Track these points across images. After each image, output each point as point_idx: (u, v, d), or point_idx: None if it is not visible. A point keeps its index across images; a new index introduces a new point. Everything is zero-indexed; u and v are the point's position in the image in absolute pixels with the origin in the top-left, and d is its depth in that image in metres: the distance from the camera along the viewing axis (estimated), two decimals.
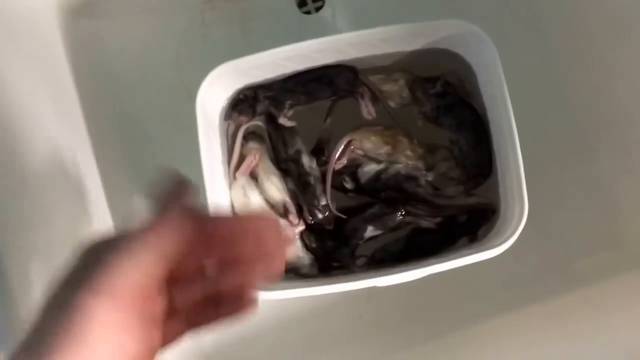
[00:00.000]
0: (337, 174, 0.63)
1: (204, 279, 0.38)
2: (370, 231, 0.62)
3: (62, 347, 0.30)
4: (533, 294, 0.69)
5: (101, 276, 0.31)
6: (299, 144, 0.63)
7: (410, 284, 0.54)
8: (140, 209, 0.71)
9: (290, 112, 0.63)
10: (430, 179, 0.62)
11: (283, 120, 0.63)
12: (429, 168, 0.62)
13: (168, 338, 0.36)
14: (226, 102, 0.63)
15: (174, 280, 0.36)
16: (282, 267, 0.38)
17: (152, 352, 0.34)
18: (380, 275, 0.54)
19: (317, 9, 0.73)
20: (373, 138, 0.62)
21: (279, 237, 0.38)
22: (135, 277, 0.32)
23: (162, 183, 0.37)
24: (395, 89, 0.63)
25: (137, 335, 0.32)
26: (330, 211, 0.62)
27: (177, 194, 0.37)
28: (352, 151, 0.63)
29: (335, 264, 0.63)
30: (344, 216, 0.62)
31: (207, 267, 0.38)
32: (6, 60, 0.63)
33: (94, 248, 0.34)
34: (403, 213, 0.61)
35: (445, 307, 0.70)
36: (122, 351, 0.31)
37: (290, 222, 0.61)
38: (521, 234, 0.53)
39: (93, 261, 0.32)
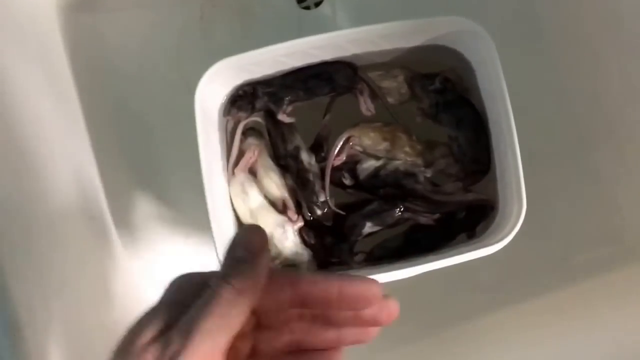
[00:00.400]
0: (336, 170, 0.63)
1: (292, 331, 0.35)
2: (368, 227, 0.62)
3: None
4: (531, 289, 0.69)
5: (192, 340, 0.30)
6: (298, 140, 0.63)
7: (408, 279, 0.54)
8: (139, 204, 0.72)
9: (289, 109, 0.63)
10: (428, 175, 0.62)
11: (282, 117, 0.63)
12: (428, 164, 0.62)
13: None
14: (225, 98, 0.63)
15: (261, 327, 0.35)
16: (376, 335, 0.36)
17: None
18: (378, 272, 0.54)
19: (317, 5, 0.73)
20: (372, 134, 0.62)
21: (378, 303, 0.35)
22: (223, 340, 0.30)
23: (243, 240, 0.34)
24: (394, 86, 0.63)
25: None
26: (329, 207, 0.62)
27: (260, 252, 0.33)
28: (351, 147, 0.63)
29: (334, 260, 0.63)
30: (342, 212, 0.62)
31: (295, 319, 0.35)
32: (4, 55, 0.63)
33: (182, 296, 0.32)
34: (402, 209, 0.61)
35: (443, 302, 0.71)
36: None
37: (289, 218, 0.61)
38: (519, 229, 0.53)
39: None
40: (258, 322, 0.34)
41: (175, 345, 0.29)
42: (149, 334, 0.30)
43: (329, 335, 0.35)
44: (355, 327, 0.35)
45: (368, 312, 0.35)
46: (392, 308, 0.36)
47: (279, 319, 0.35)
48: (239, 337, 0.32)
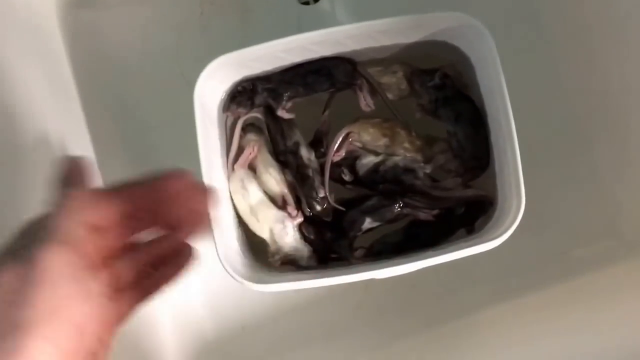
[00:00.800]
0: (336, 166, 0.63)
1: (142, 248, 0.40)
2: (368, 223, 0.62)
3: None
4: (530, 283, 0.69)
5: (53, 231, 0.35)
6: (297, 136, 0.63)
7: (409, 274, 0.55)
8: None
9: (288, 104, 0.63)
10: (428, 171, 0.62)
11: (281, 113, 0.63)
12: (427, 160, 0.62)
13: (123, 311, 0.39)
14: (224, 94, 0.63)
15: (114, 257, 0.38)
16: (208, 220, 0.43)
17: (109, 324, 0.37)
18: (378, 268, 0.54)
19: (316, 0, 0.73)
20: (371, 130, 0.63)
21: (198, 192, 0.42)
22: (79, 231, 0.35)
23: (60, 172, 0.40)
24: (393, 81, 0.63)
25: (94, 299, 0.35)
26: (329, 203, 0.62)
27: (75, 179, 0.40)
28: (351, 143, 0.63)
29: (333, 256, 0.63)
30: (342, 208, 0.63)
31: (141, 236, 0.40)
32: (3, 50, 0.63)
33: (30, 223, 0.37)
34: (401, 205, 0.61)
35: (443, 297, 0.71)
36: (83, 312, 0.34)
37: (289, 214, 0.61)
38: (518, 224, 0.54)
39: (36, 228, 0.36)
40: (111, 254, 0.38)
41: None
42: None
43: (173, 235, 0.42)
44: (190, 220, 0.42)
45: (192, 203, 0.42)
46: (206, 191, 0.44)
47: (128, 243, 0.40)
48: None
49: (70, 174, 0.40)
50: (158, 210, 0.40)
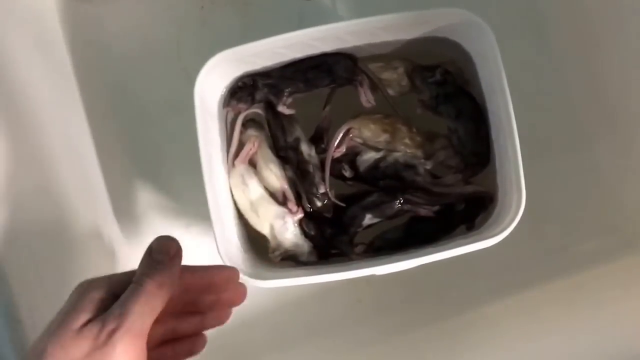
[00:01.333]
0: (336, 162, 0.63)
1: (165, 323, 0.41)
2: (368, 219, 0.62)
3: None
4: (530, 279, 0.69)
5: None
6: (298, 131, 0.63)
7: (409, 270, 0.55)
8: (139, 194, 0.72)
9: (289, 100, 0.63)
10: (428, 167, 0.62)
11: (282, 108, 0.63)
12: (428, 156, 0.62)
13: None
14: (225, 89, 0.63)
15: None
16: (229, 318, 0.44)
17: None
18: (378, 264, 0.54)
19: None
20: (372, 126, 0.62)
21: (234, 286, 0.44)
22: (148, 322, 0.36)
23: (161, 245, 0.40)
24: (394, 77, 0.63)
25: None
26: (329, 199, 0.62)
27: (174, 256, 0.40)
28: (351, 139, 0.63)
29: (333, 252, 0.63)
30: (342, 204, 0.63)
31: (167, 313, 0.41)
32: (4, 45, 0.63)
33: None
34: (401, 201, 0.61)
35: (443, 292, 0.71)
36: None
37: (289, 210, 0.61)
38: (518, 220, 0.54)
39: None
40: None
41: (111, 324, 0.34)
42: (83, 317, 0.35)
43: (194, 320, 0.43)
44: (215, 311, 0.44)
45: (226, 295, 0.44)
46: (243, 290, 0.45)
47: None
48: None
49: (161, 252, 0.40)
50: (200, 293, 0.43)
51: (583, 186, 0.71)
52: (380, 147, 0.63)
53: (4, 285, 0.51)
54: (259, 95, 0.62)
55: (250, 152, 0.62)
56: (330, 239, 0.63)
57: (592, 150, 0.71)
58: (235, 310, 0.71)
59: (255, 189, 0.61)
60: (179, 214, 0.73)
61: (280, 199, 0.62)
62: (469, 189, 0.62)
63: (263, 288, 0.56)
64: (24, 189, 0.60)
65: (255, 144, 0.63)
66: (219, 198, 0.59)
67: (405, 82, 0.63)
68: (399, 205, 0.61)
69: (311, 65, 0.62)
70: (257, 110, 0.64)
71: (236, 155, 0.62)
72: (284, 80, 0.62)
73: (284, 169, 0.63)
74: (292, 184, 0.63)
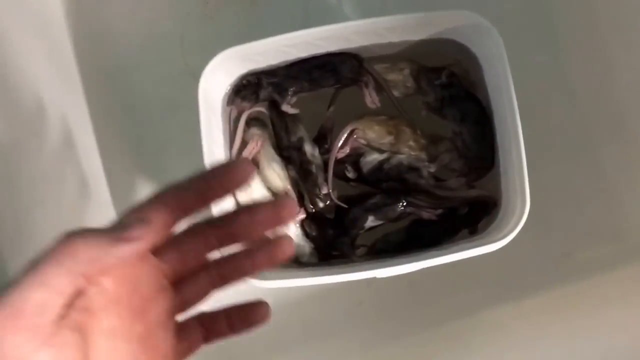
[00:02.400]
0: (339, 162, 0.63)
1: (208, 270, 0.38)
2: (371, 221, 0.62)
3: None
4: (532, 285, 0.69)
5: None
6: (301, 131, 0.63)
7: (410, 273, 0.54)
8: (141, 191, 0.72)
9: (293, 99, 0.63)
10: (432, 170, 0.62)
11: (286, 107, 0.63)
12: (432, 159, 0.62)
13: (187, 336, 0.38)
14: (229, 87, 0.62)
15: (180, 281, 0.37)
16: (287, 254, 0.37)
17: (167, 352, 0.35)
18: (380, 267, 0.54)
19: None
20: (376, 127, 0.62)
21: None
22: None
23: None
24: (399, 79, 0.63)
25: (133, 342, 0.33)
26: (332, 200, 0.62)
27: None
28: (355, 140, 0.63)
29: (335, 253, 0.63)
30: (345, 205, 0.62)
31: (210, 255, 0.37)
32: (7, 45, 0.63)
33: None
34: (404, 204, 0.61)
35: (445, 296, 0.71)
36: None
37: None
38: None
39: None
40: (177, 277, 0.36)
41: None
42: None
43: (243, 260, 0.37)
44: (264, 252, 0.37)
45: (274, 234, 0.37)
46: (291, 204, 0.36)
47: (196, 266, 0.37)
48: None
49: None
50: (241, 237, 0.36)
51: (588, 193, 0.71)
52: (384, 148, 0.62)
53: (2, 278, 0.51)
54: (263, 94, 0.62)
55: (253, 151, 0.62)
56: (332, 240, 0.62)
57: (597, 156, 0.71)
58: None
59: (257, 189, 0.61)
60: None
61: None
62: (473, 193, 0.61)
63: (263, 289, 0.55)
64: (24, 187, 0.60)
65: (259, 143, 0.62)
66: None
67: (410, 83, 0.62)
68: (402, 207, 0.61)
69: (316, 64, 0.62)
70: (261, 108, 0.64)
71: (239, 153, 0.62)
72: (289, 79, 0.62)
73: (287, 169, 0.63)
74: (295, 184, 0.62)
